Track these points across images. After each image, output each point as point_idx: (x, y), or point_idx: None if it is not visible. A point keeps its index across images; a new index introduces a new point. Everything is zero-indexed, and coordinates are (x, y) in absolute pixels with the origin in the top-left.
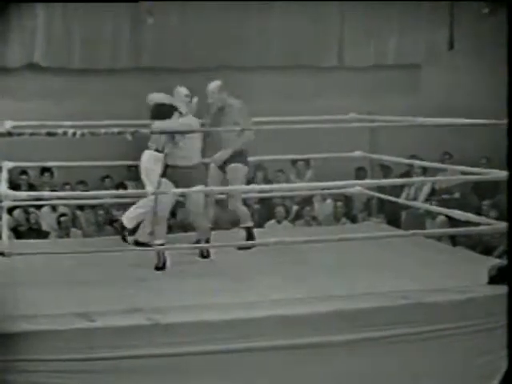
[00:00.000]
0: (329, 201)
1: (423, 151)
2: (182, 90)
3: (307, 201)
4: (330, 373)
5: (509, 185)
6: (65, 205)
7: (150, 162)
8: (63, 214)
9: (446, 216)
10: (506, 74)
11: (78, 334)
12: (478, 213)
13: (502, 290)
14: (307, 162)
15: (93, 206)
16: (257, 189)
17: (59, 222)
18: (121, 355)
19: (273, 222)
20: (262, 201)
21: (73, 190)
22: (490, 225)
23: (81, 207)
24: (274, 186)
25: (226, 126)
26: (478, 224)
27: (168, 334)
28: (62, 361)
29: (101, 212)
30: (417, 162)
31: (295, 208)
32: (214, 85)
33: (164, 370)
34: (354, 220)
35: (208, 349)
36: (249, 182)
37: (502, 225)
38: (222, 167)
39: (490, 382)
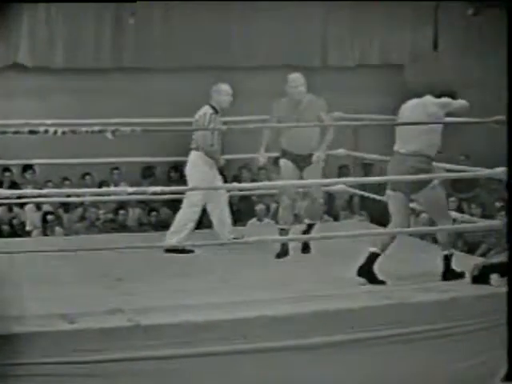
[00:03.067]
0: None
1: None
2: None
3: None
4: (313, 375)
5: (509, 185)
6: (48, 203)
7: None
8: (49, 212)
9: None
10: (488, 74)
11: (59, 337)
12: (461, 210)
13: (486, 290)
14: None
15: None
16: (237, 187)
17: (45, 220)
18: (101, 359)
19: (254, 220)
20: (243, 199)
21: (56, 187)
22: (473, 223)
23: (65, 205)
24: (256, 184)
25: (308, 122)
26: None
27: (149, 336)
28: (43, 364)
29: (100, 211)
30: None
31: (274, 206)
32: (299, 76)
33: (147, 373)
34: (336, 218)
35: (190, 351)
36: (233, 180)
37: (487, 223)
38: (300, 165)
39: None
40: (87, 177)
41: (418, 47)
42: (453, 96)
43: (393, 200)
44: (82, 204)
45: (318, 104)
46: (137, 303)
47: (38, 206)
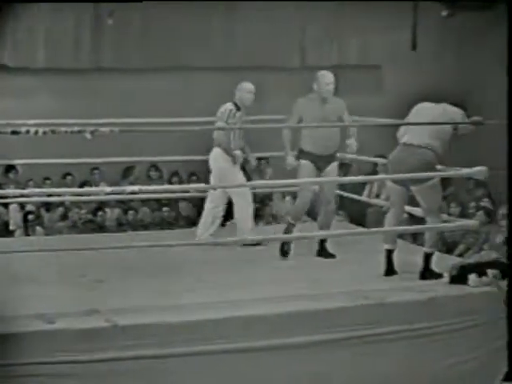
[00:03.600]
0: (288, 198)
1: (385, 150)
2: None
3: (267, 198)
4: (290, 375)
5: (509, 185)
6: (30, 202)
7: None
8: (29, 212)
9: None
10: (466, 74)
11: (37, 337)
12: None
13: (463, 290)
14: (267, 160)
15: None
16: (217, 187)
17: (26, 220)
18: (79, 359)
19: (233, 220)
20: None
21: (38, 186)
22: (452, 222)
23: (46, 205)
24: (236, 184)
25: (331, 121)
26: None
27: (126, 336)
28: (21, 365)
29: (81, 211)
30: (380, 160)
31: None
32: (331, 74)
33: (125, 374)
34: (314, 218)
35: (167, 352)
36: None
37: (464, 222)
38: (320, 166)
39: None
40: (68, 177)
41: (396, 47)
42: (465, 108)
43: (393, 192)
44: (62, 204)
45: (340, 104)
46: (115, 303)
47: (22, 206)
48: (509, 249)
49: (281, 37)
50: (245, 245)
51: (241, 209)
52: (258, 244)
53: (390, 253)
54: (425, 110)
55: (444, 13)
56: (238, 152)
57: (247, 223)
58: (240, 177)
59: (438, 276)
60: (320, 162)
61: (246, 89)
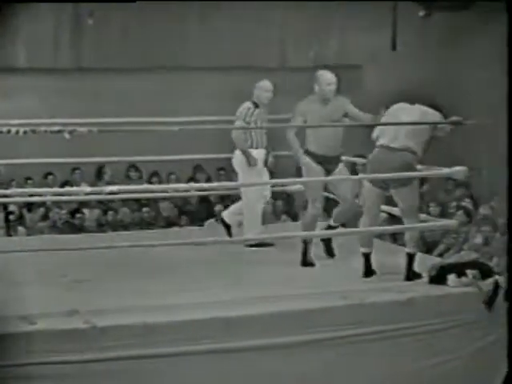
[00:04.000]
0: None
1: (364, 150)
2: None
3: None
4: (274, 376)
5: (509, 185)
6: (11, 203)
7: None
8: (10, 212)
9: (388, 213)
10: (446, 74)
11: (19, 338)
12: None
13: (443, 290)
14: None
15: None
16: (195, 187)
17: (8, 220)
18: (59, 360)
19: (212, 220)
20: (201, 200)
21: (20, 186)
22: (432, 222)
23: (28, 205)
24: (215, 184)
25: (334, 121)
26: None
27: (105, 338)
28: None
29: (62, 211)
30: (359, 160)
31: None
32: (332, 75)
33: (104, 375)
34: (294, 218)
35: (146, 352)
36: (188, 181)
37: (444, 222)
38: (328, 167)
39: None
40: (50, 176)
41: (376, 47)
42: (440, 109)
43: (369, 194)
44: (44, 204)
45: (342, 102)
46: (94, 304)
47: (5, 206)
48: (509, 247)
49: (260, 37)
50: (251, 246)
51: (245, 209)
52: (268, 245)
53: (367, 255)
54: (402, 112)
55: (421, 13)
56: (255, 152)
57: (250, 223)
58: (254, 178)
59: (418, 276)
60: (326, 163)
61: (263, 87)
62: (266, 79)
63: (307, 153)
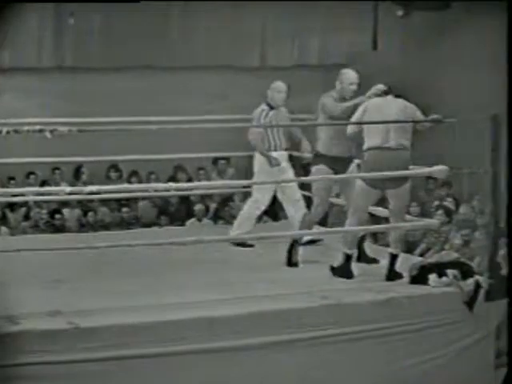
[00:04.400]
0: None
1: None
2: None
3: (227, 199)
4: (251, 376)
5: (509, 185)
6: None
7: None
8: None
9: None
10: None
11: (3, 339)
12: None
13: (423, 290)
14: (228, 160)
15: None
16: (174, 186)
17: None
18: (41, 361)
19: (193, 220)
20: (182, 200)
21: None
22: (413, 221)
23: (11, 205)
24: (196, 183)
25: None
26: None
27: (87, 338)
28: None
29: (42, 211)
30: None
31: (214, 206)
32: (355, 73)
33: (86, 376)
34: (275, 218)
35: (127, 353)
36: (169, 180)
37: (425, 222)
38: (338, 170)
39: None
40: (32, 176)
41: (357, 47)
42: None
43: (364, 195)
44: (26, 203)
45: (360, 101)
46: (77, 305)
47: None
48: (509, 247)
49: (241, 36)
50: (237, 245)
51: (247, 206)
52: (249, 245)
53: (348, 257)
54: (383, 109)
55: (399, 13)
56: (275, 154)
57: (244, 222)
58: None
59: (400, 276)
60: (337, 165)
61: (276, 88)
62: (279, 81)
63: (316, 154)
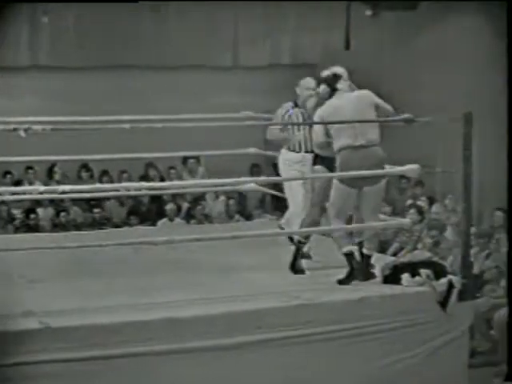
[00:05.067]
0: (221, 198)
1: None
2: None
3: (199, 198)
4: (222, 377)
5: (509, 185)
6: None
7: None
8: None
9: None
10: (399, 73)
11: None
12: None
13: (396, 290)
14: (198, 159)
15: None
16: (146, 186)
17: None
18: (14, 361)
19: (165, 219)
20: (153, 199)
21: None
22: (386, 221)
23: None
24: (167, 183)
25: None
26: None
27: (59, 338)
28: None
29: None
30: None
31: (186, 206)
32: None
33: (57, 376)
34: (248, 217)
35: (99, 353)
36: (141, 179)
37: (397, 221)
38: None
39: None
40: (8, 175)
41: (330, 47)
42: None
43: (344, 195)
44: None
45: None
46: (49, 305)
47: None
48: (509, 246)
49: (213, 36)
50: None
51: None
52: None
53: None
54: (343, 107)
55: (368, 12)
56: (292, 154)
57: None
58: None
59: (373, 276)
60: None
61: (303, 85)
62: (308, 77)
63: (315, 156)
